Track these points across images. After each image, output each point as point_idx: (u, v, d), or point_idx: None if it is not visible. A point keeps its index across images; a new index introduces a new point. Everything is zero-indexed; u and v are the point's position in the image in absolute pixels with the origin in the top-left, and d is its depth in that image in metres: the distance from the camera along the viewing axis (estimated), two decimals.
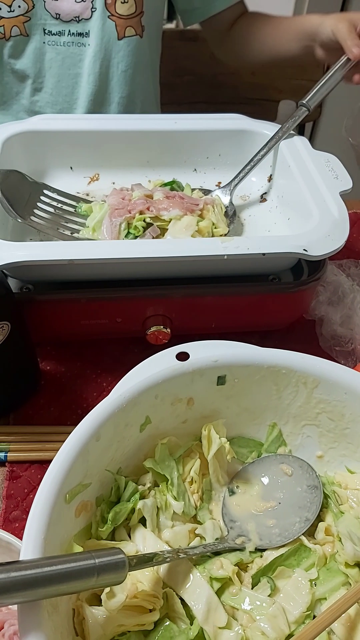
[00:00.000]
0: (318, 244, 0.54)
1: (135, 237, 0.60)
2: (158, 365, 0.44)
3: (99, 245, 0.52)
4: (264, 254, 0.53)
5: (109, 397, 0.41)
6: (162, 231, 0.62)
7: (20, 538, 0.48)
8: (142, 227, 0.61)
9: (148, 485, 0.44)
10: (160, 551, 0.39)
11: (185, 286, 0.57)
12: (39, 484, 0.51)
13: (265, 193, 0.72)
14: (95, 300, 0.55)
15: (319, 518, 0.45)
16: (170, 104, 1.32)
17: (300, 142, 0.68)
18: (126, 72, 0.83)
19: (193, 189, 0.70)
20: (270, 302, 0.60)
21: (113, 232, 0.61)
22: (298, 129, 1.49)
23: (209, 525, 0.45)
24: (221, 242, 0.54)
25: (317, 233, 0.56)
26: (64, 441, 0.54)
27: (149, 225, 0.61)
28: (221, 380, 0.46)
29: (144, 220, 0.61)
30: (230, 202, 0.69)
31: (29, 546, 0.33)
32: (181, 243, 0.54)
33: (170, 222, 0.62)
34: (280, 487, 0.48)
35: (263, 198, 0.71)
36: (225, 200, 0.69)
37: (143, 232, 0.61)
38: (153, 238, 0.61)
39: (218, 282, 0.57)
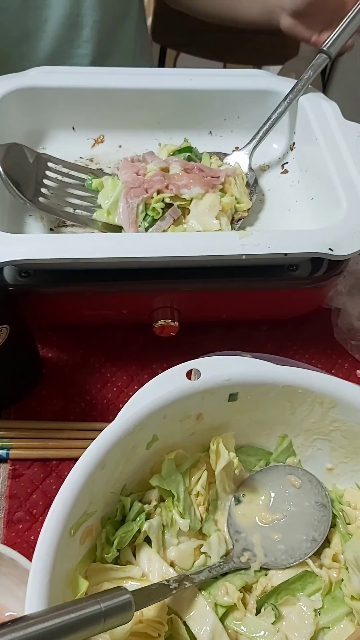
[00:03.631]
0: (345, 242, 0.50)
1: (154, 220, 0.55)
2: (167, 385, 0.41)
3: (105, 241, 0.47)
4: (285, 254, 0.48)
5: (116, 422, 0.39)
6: (183, 211, 0.57)
7: (24, 540, 0.48)
8: (161, 208, 0.56)
9: (154, 503, 0.43)
10: (166, 581, 0.38)
11: (196, 280, 0.53)
12: (41, 483, 0.51)
13: (287, 163, 0.66)
14: (99, 294, 0.52)
15: (326, 538, 0.44)
16: (180, 33, 1.19)
17: (330, 109, 0.61)
18: None
19: (210, 154, 0.63)
20: (286, 295, 0.56)
21: (130, 215, 0.55)
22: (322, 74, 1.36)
23: (214, 540, 0.45)
24: (239, 237, 0.49)
25: (345, 227, 0.51)
26: (66, 438, 0.53)
27: (167, 205, 0.56)
28: (233, 397, 0.44)
29: (163, 201, 0.56)
30: (250, 169, 0.63)
31: (34, 595, 0.32)
32: (194, 239, 0.49)
33: (191, 201, 0.57)
34: (287, 498, 0.47)
35: (284, 169, 0.65)
36: (245, 166, 0.63)
37: (162, 214, 0.56)
38: (174, 220, 0.56)
39: (231, 273, 0.53)
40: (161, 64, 1.46)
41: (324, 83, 1.37)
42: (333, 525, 0.45)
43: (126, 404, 0.40)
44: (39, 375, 0.57)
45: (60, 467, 0.52)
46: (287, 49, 1.19)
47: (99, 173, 0.61)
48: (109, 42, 0.78)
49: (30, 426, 0.53)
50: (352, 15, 0.61)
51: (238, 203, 0.59)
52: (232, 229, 0.56)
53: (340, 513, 0.45)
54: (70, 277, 0.52)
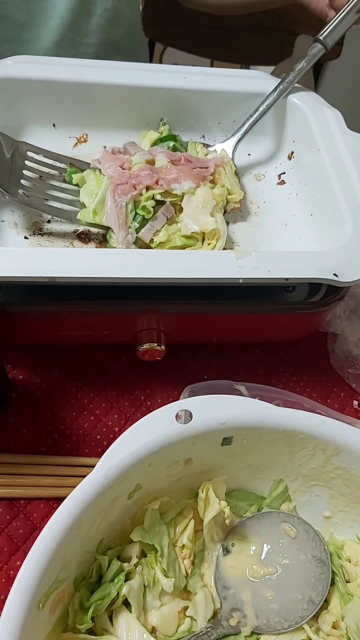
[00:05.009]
0: (351, 267, 0.45)
1: (145, 220, 0.51)
2: (153, 429, 0.36)
3: (87, 259, 0.42)
4: (286, 279, 0.44)
5: (94, 474, 0.34)
6: (175, 207, 0.52)
7: None
8: (152, 206, 0.51)
9: (134, 561, 0.38)
10: None
11: (186, 301, 0.48)
12: (7, 526, 0.46)
13: (284, 173, 0.61)
14: (77, 315, 0.46)
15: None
16: (170, 25, 1.13)
17: (333, 117, 0.57)
18: None
19: (193, 142, 0.59)
20: (282, 320, 0.51)
21: (120, 215, 0.50)
22: (315, 75, 1.32)
23: (200, 599, 0.40)
24: (236, 258, 0.44)
25: (350, 251, 0.46)
26: (36, 474, 0.48)
27: (158, 202, 0.51)
28: (227, 441, 0.39)
29: (153, 198, 0.51)
30: (232, 161, 0.58)
31: None
32: (188, 259, 0.44)
33: (182, 197, 0.52)
34: (281, 550, 0.42)
35: (281, 180, 0.61)
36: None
37: (154, 214, 0.51)
38: (168, 219, 0.51)
39: (224, 294, 0.48)
40: (149, 58, 1.39)
41: (315, 90, 1.33)
42: (332, 583, 0.41)
43: (106, 452, 0.35)
44: (7, 400, 0.51)
45: (28, 508, 0.46)
46: (279, 49, 1.14)
47: (79, 164, 0.55)
48: (116, 31, 0.73)
49: None
50: (351, 4, 0.56)
51: (229, 194, 0.55)
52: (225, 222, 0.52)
53: (340, 569, 0.41)
54: (45, 294, 0.46)
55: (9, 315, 0.46)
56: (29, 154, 0.54)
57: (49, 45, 0.69)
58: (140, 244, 0.51)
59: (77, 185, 0.54)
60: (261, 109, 0.58)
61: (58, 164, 0.55)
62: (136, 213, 0.51)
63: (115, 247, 0.50)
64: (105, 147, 0.59)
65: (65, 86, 0.55)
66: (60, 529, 0.32)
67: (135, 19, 0.76)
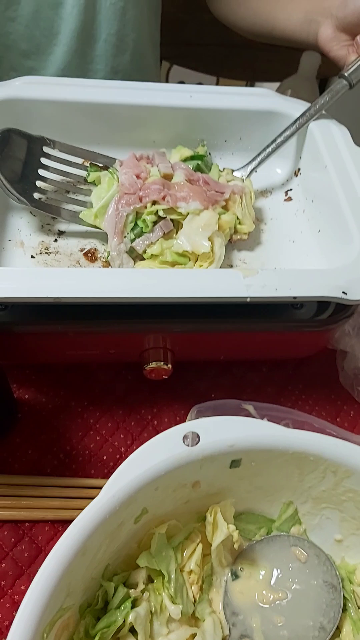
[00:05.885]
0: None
1: (143, 233, 0.51)
2: (159, 452, 0.36)
3: (91, 278, 0.42)
4: (294, 298, 0.43)
5: (100, 500, 0.33)
6: (176, 224, 0.52)
7: None
8: (153, 221, 0.51)
9: (141, 587, 0.37)
10: None
11: (193, 319, 0.47)
12: (12, 549, 0.45)
13: (291, 190, 0.61)
14: (83, 334, 0.46)
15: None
16: (175, 44, 1.14)
17: (340, 134, 0.57)
18: (116, 4, 0.68)
19: (222, 170, 0.59)
20: (290, 337, 0.51)
21: (118, 224, 0.51)
22: (321, 90, 1.32)
23: (208, 626, 0.39)
24: (243, 276, 0.44)
25: (359, 268, 0.46)
26: (41, 496, 0.47)
27: (161, 218, 0.51)
28: (235, 464, 0.38)
29: (156, 213, 0.51)
30: (252, 193, 0.58)
31: None
32: (193, 278, 0.43)
33: (187, 215, 0.52)
34: (291, 574, 0.41)
35: (288, 196, 0.60)
36: None
37: (152, 228, 0.51)
38: (164, 234, 0.51)
39: (232, 312, 0.48)
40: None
41: None
42: (344, 609, 0.40)
43: (112, 475, 0.34)
44: (14, 420, 0.50)
45: (33, 531, 0.45)
46: (284, 65, 1.15)
47: (105, 160, 0.56)
48: (123, 56, 0.73)
49: (0, 481, 0.47)
50: None
51: (240, 224, 0.55)
52: (225, 250, 0.51)
53: (352, 595, 0.40)
54: (51, 314, 0.46)
55: (15, 335, 0.45)
56: (45, 149, 0.54)
57: (55, 73, 0.70)
58: (135, 254, 0.51)
59: (93, 182, 0.55)
60: (279, 140, 0.57)
61: (75, 159, 0.55)
62: (136, 224, 0.51)
63: (109, 253, 0.50)
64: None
65: (71, 106, 0.55)
66: (64, 557, 0.31)
67: (142, 42, 0.76)
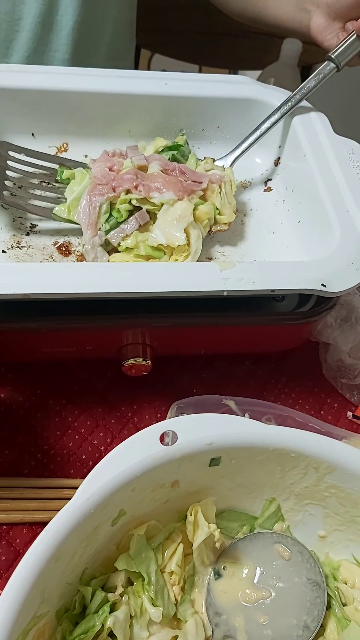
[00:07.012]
0: (339, 276, 0.44)
1: (118, 224, 0.49)
2: (136, 452, 0.35)
3: (64, 273, 0.40)
4: (272, 291, 0.42)
5: (73, 503, 0.32)
6: (151, 216, 0.51)
7: None
8: (127, 210, 0.50)
9: (120, 590, 0.37)
10: None
11: (171, 314, 0.46)
12: None
13: (270, 180, 0.60)
14: (58, 331, 0.45)
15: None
16: (155, 30, 1.12)
17: (320, 122, 0.56)
18: None
19: (203, 159, 0.57)
20: (271, 331, 0.50)
21: (91, 215, 0.49)
22: (302, 77, 1.30)
23: (190, 627, 0.38)
24: (220, 269, 0.43)
25: (339, 260, 0.45)
26: (19, 498, 0.46)
27: (136, 208, 0.50)
28: (215, 462, 0.37)
29: (130, 202, 0.50)
30: (233, 181, 0.56)
31: None
32: (169, 272, 0.42)
33: (161, 206, 0.50)
34: (274, 572, 0.41)
35: (268, 187, 0.59)
36: None
37: (127, 218, 0.49)
38: (140, 226, 0.49)
39: (211, 305, 0.47)
40: (135, 65, 1.38)
41: None
42: (328, 607, 0.39)
43: (86, 478, 0.33)
44: None
45: (11, 534, 0.44)
46: (266, 53, 1.13)
47: (70, 163, 0.55)
48: (90, 45, 0.70)
49: None
50: None
51: (219, 214, 0.53)
52: (204, 243, 0.50)
53: (336, 592, 0.39)
54: (24, 310, 0.44)
55: None
56: (11, 153, 0.53)
57: (18, 60, 0.67)
58: (110, 247, 0.49)
59: (67, 181, 0.53)
60: (263, 126, 0.55)
61: (42, 163, 0.54)
62: (110, 214, 0.50)
63: (84, 247, 0.49)
64: (86, 155, 0.58)
65: (43, 94, 0.53)
66: (36, 564, 0.30)
67: (114, 28, 0.73)
